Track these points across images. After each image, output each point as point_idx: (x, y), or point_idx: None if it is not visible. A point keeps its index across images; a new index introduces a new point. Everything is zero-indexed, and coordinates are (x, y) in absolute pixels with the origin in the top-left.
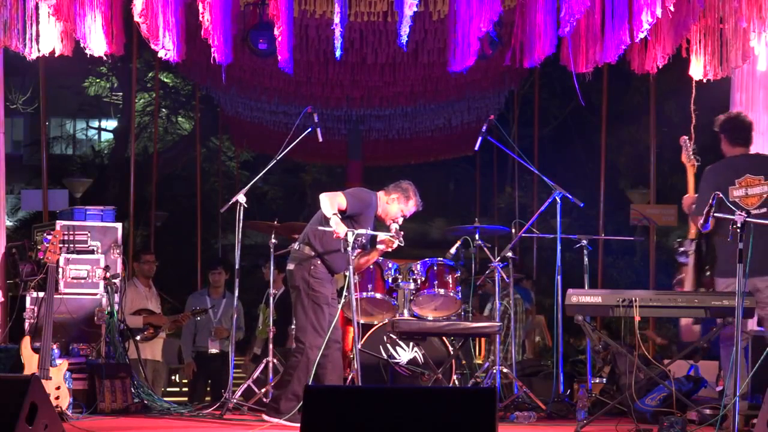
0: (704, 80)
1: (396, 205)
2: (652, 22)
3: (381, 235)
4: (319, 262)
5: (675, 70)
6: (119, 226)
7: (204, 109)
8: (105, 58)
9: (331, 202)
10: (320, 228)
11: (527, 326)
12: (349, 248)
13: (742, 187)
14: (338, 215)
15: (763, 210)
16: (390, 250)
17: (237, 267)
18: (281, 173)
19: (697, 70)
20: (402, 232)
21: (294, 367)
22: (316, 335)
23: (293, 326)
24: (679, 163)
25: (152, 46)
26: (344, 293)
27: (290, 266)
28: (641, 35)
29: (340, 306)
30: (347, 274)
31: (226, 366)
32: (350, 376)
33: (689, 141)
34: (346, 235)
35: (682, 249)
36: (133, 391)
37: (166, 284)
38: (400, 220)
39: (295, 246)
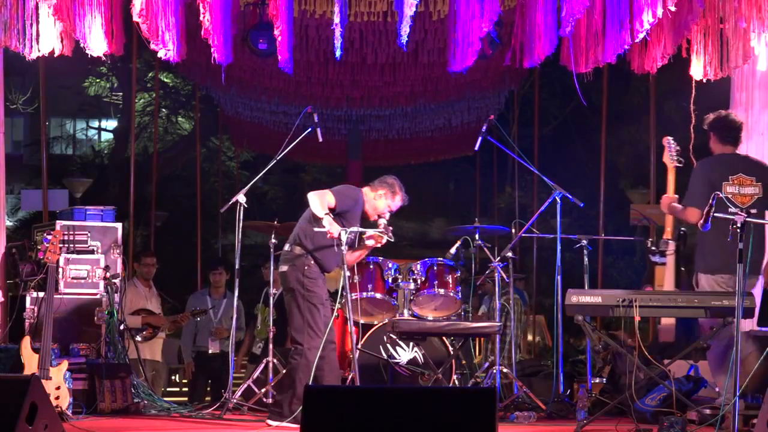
0: (704, 80)
1: (383, 200)
2: (653, 23)
3: (370, 232)
4: (312, 261)
5: (675, 70)
6: (119, 226)
7: (204, 109)
8: (105, 58)
9: (321, 201)
10: (316, 229)
11: (522, 326)
12: (343, 247)
13: (735, 185)
14: (330, 215)
15: (753, 211)
16: (379, 245)
17: (237, 267)
18: (281, 173)
19: (697, 70)
20: (390, 228)
21: (295, 370)
22: (314, 335)
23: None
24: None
25: (152, 46)
26: (343, 293)
27: (283, 268)
28: (641, 35)
29: (337, 306)
30: (347, 273)
31: (226, 366)
32: (350, 377)
33: (673, 142)
34: (340, 234)
35: (655, 248)
36: (133, 391)
37: (166, 284)
38: (387, 215)
39: (286, 247)
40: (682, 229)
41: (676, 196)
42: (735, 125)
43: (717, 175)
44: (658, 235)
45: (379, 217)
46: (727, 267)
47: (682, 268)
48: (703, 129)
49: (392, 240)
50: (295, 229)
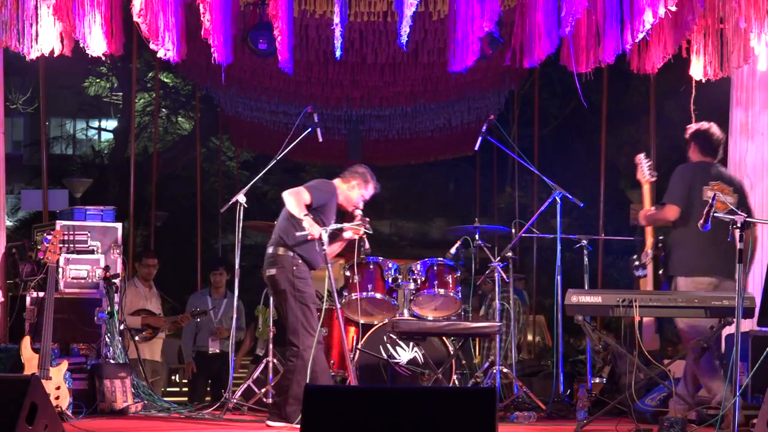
0: (704, 80)
1: (356, 191)
2: (654, 22)
3: (348, 226)
4: (300, 261)
5: (675, 70)
6: (119, 226)
7: (204, 109)
8: (104, 58)
9: (297, 201)
10: (297, 233)
11: (522, 326)
12: (325, 246)
13: (715, 190)
14: (309, 215)
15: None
16: (357, 237)
17: (237, 267)
18: (281, 173)
19: (697, 70)
20: (367, 219)
21: (291, 372)
22: (307, 335)
23: None
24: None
25: (152, 46)
26: (344, 293)
27: (271, 271)
28: (641, 35)
29: (324, 305)
30: (347, 273)
31: (226, 366)
32: (350, 377)
33: (644, 159)
34: (321, 235)
35: (638, 263)
36: (133, 391)
37: (166, 284)
38: (361, 205)
39: (270, 250)
40: (659, 236)
41: (653, 208)
42: (716, 138)
43: (698, 178)
44: (639, 250)
45: (355, 208)
46: (708, 269)
47: (660, 272)
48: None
49: (370, 232)
50: (275, 230)
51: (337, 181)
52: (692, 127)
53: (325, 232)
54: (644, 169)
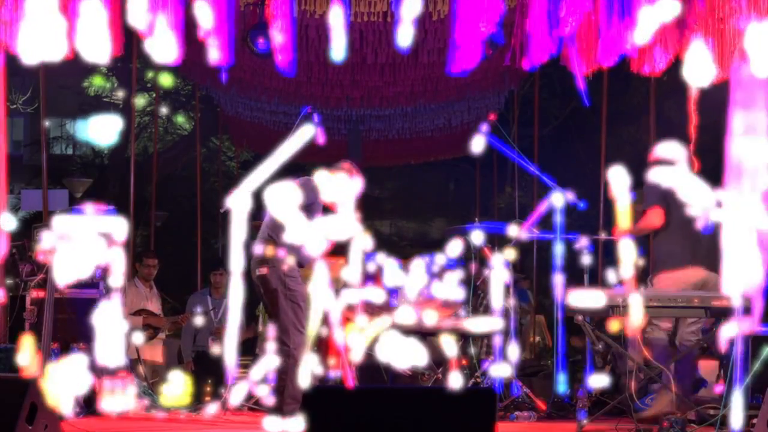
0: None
1: (343, 183)
2: (654, 24)
3: (336, 223)
4: (291, 260)
5: (675, 70)
6: None
7: (204, 109)
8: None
9: (286, 203)
10: (286, 237)
11: (525, 326)
12: (316, 249)
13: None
14: (302, 213)
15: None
16: (344, 237)
17: (238, 269)
18: (281, 173)
19: (696, 70)
20: (357, 215)
21: (285, 372)
22: (298, 333)
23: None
24: None
25: (150, 46)
26: (343, 293)
27: (262, 271)
28: (642, 37)
29: (320, 306)
30: (343, 278)
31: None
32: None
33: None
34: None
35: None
36: (133, 391)
37: (166, 284)
38: (349, 203)
39: (258, 250)
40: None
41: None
42: (675, 156)
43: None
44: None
45: (340, 206)
46: (695, 262)
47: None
48: (703, 129)
49: (358, 229)
50: (263, 228)
51: (322, 173)
52: (652, 152)
53: (315, 235)
54: (619, 185)
